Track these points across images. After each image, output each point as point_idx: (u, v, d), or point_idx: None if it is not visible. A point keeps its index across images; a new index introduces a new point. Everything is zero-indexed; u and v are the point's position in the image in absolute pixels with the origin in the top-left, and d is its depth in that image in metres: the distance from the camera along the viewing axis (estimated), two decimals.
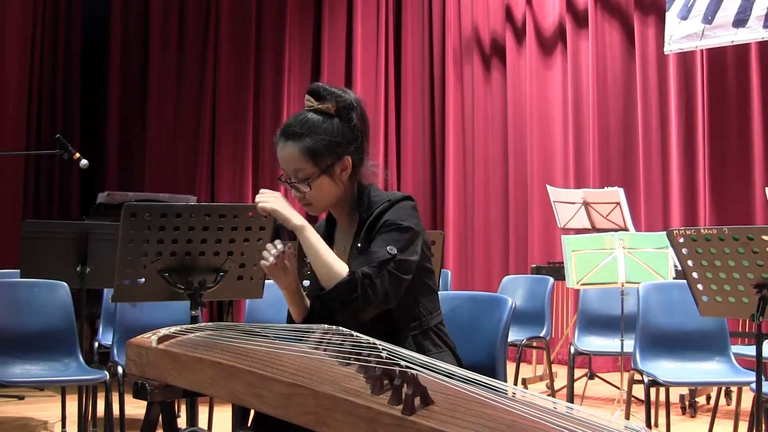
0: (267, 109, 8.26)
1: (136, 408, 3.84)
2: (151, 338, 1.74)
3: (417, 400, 1.22)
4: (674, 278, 4.23)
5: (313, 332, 1.74)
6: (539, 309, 4.89)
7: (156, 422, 1.86)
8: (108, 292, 3.97)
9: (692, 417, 4.75)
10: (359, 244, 2.01)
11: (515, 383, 4.87)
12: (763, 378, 2.70)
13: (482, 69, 7.61)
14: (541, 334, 4.82)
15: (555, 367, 5.62)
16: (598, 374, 5.32)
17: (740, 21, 5.87)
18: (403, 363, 1.35)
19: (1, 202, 7.53)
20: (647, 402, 3.39)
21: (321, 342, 1.64)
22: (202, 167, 8.26)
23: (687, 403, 4.81)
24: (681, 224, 6.23)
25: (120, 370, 3.49)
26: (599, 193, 5.64)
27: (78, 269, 3.64)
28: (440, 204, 7.81)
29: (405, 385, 1.25)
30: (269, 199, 2.02)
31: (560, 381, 5.41)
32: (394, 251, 1.92)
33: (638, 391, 3.81)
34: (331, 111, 2.03)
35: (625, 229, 5.33)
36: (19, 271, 3.69)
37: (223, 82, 8.29)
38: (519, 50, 7.38)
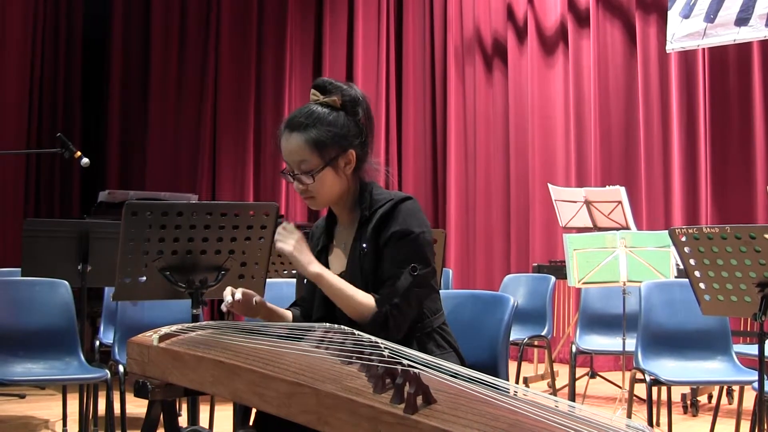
0: (268, 107, 8.26)
1: (137, 407, 3.83)
2: (152, 337, 1.74)
3: (419, 399, 1.22)
4: (676, 277, 4.23)
5: (314, 331, 1.74)
6: (541, 308, 4.89)
7: (157, 421, 1.86)
8: (109, 291, 3.97)
9: (694, 416, 4.75)
10: (364, 245, 2.00)
11: (517, 382, 4.87)
12: (765, 377, 2.69)
13: (483, 68, 7.61)
14: (543, 333, 4.82)
15: (556, 366, 5.62)
16: (600, 373, 5.32)
17: (742, 20, 5.86)
18: (405, 362, 1.35)
19: (2, 200, 7.54)
20: (649, 401, 3.39)
21: (322, 341, 1.63)
22: (203, 166, 8.26)
23: (689, 402, 4.81)
24: (683, 223, 6.23)
25: (121, 368, 3.49)
26: (601, 192, 5.64)
27: (79, 268, 3.63)
28: (441, 203, 7.80)
29: (407, 383, 1.24)
30: (288, 242, 1.98)
31: (562, 380, 5.41)
32: (415, 272, 1.94)
33: (640, 390, 3.81)
34: (336, 104, 2.03)
35: (627, 228, 5.33)
36: (20, 269, 3.69)
37: (225, 81, 8.29)
38: (520, 49, 7.37)
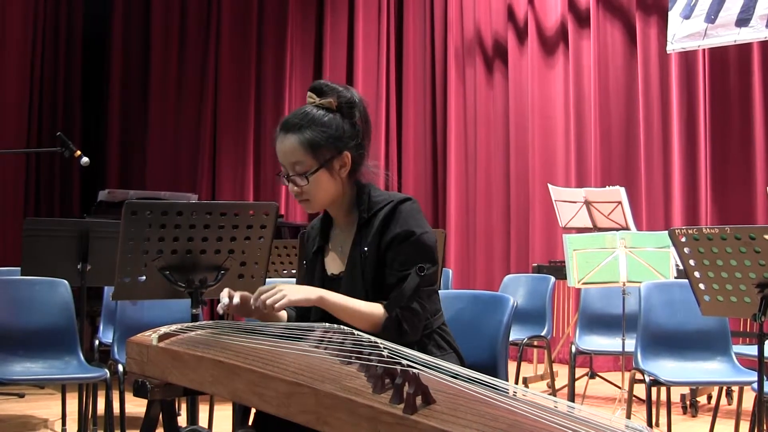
0: (268, 108, 8.27)
1: (136, 406, 3.82)
2: (151, 336, 1.73)
3: (418, 399, 1.22)
4: (676, 277, 4.22)
5: (314, 331, 1.74)
6: (540, 308, 4.89)
7: (156, 421, 1.86)
8: (108, 290, 3.97)
9: (693, 417, 4.75)
10: (365, 248, 1.99)
11: (516, 382, 4.86)
12: (764, 378, 2.69)
13: (484, 68, 7.61)
14: (543, 333, 4.82)
15: (556, 367, 5.62)
16: (599, 373, 5.32)
17: (743, 20, 5.86)
18: (404, 362, 1.35)
19: (2, 199, 7.54)
20: (648, 401, 3.39)
21: (322, 340, 1.63)
22: (203, 165, 8.27)
23: (688, 402, 4.81)
24: (682, 223, 6.23)
25: (120, 368, 3.49)
26: (601, 192, 5.64)
27: (78, 267, 3.63)
28: (442, 203, 7.80)
29: (406, 383, 1.24)
30: (277, 295, 1.86)
31: (561, 380, 5.41)
32: (422, 272, 1.93)
33: (639, 390, 3.81)
34: (332, 106, 2.02)
35: (627, 229, 5.33)
36: (19, 268, 3.68)
37: (225, 81, 8.29)
38: (521, 50, 7.37)
